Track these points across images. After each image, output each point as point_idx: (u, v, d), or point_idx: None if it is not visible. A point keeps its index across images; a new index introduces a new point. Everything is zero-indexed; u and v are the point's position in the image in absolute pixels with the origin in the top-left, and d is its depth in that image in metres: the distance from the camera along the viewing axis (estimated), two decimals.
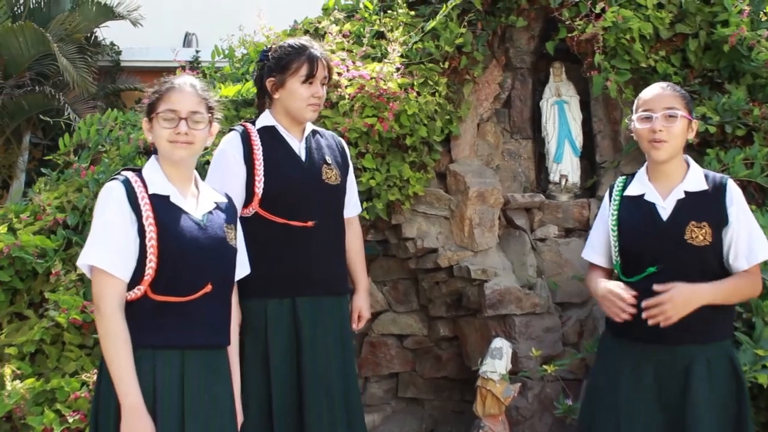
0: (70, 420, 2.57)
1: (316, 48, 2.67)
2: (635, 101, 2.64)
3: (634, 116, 2.60)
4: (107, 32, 9.03)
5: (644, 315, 2.40)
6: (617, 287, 2.51)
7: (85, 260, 2.09)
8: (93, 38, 8.59)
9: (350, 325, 2.79)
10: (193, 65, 9.62)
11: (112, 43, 8.94)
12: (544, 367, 3.23)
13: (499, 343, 3.35)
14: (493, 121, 4.07)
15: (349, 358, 2.70)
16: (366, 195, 3.46)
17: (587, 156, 4.02)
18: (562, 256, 3.77)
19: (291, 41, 2.69)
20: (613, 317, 2.50)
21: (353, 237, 2.89)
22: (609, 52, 3.54)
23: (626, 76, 3.55)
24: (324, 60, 2.66)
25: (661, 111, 2.51)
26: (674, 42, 3.58)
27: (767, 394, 2.75)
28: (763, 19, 3.66)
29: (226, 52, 4.15)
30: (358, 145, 3.43)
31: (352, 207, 2.89)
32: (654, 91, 2.58)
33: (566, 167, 3.96)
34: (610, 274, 2.75)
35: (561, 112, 4.00)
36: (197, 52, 9.40)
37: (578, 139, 3.99)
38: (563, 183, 3.93)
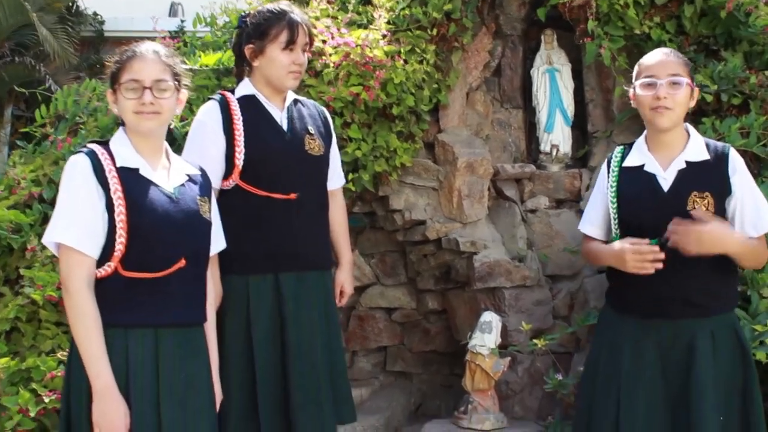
0: (47, 400, 2.49)
1: (297, 13, 2.56)
2: (636, 67, 2.54)
3: (636, 82, 2.49)
4: (90, 2, 8.84)
5: (669, 231, 2.32)
6: (638, 242, 2.39)
7: (50, 237, 2.00)
8: (75, 8, 8.40)
9: (334, 301, 2.71)
10: (178, 35, 9.49)
11: (94, 13, 8.76)
12: (535, 341, 3.17)
13: (489, 317, 3.28)
14: (482, 89, 3.96)
15: (334, 333, 2.62)
16: (352, 166, 3.37)
17: (579, 125, 3.93)
18: (553, 228, 3.70)
19: (270, 6, 2.58)
20: (640, 271, 2.36)
21: (337, 210, 2.80)
22: (602, 18, 3.44)
23: (620, 43, 3.45)
24: (305, 25, 2.55)
25: (665, 77, 2.41)
26: (669, 8, 3.48)
27: (765, 370, 2.68)
28: None
29: (208, 20, 4.02)
30: (344, 115, 3.33)
31: (336, 179, 2.80)
32: (657, 57, 2.48)
33: (557, 137, 3.87)
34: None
35: (552, 80, 3.91)
36: (182, 21, 9.23)
37: (570, 108, 3.90)
38: (554, 153, 3.85)
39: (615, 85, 3.63)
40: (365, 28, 3.47)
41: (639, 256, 2.37)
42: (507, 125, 4.00)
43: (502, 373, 3.23)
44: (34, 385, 2.53)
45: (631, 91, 2.55)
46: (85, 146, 2.10)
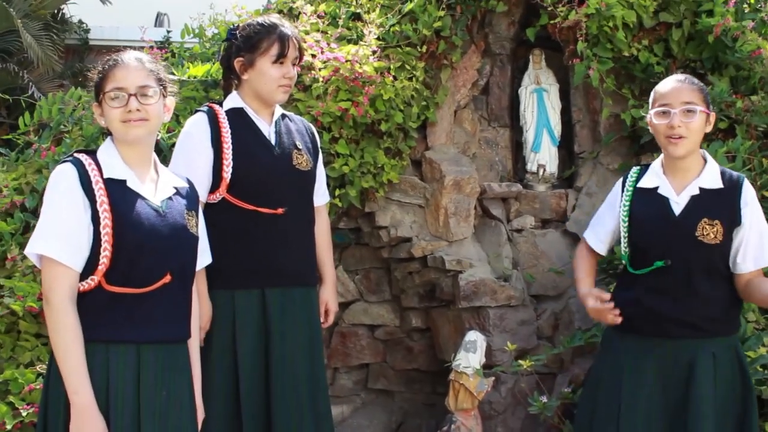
0: (24, 413, 2.43)
1: (287, 27, 2.55)
2: (652, 94, 2.57)
3: (651, 110, 2.52)
4: (76, 9, 8.79)
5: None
6: (591, 298, 2.52)
7: (33, 249, 1.96)
8: (60, 15, 8.34)
9: (318, 317, 2.69)
10: (164, 45, 9.46)
11: (80, 21, 8.70)
12: (520, 362, 3.15)
13: (474, 336, 3.26)
14: (470, 108, 3.97)
15: (317, 350, 2.60)
16: (339, 181, 3.35)
17: (565, 146, 3.95)
18: (539, 248, 3.70)
19: (260, 19, 2.57)
20: (609, 322, 2.49)
21: (321, 226, 2.78)
22: (591, 39, 3.46)
23: (608, 65, 3.47)
24: (295, 39, 2.54)
25: (679, 106, 2.44)
26: (657, 31, 3.51)
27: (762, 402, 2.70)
28: (747, 10, 3.60)
29: (197, 31, 4.00)
30: (332, 130, 3.31)
31: (321, 195, 2.79)
32: (671, 84, 2.51)
33: (544, 157, 3.88)
34: (596, 261, 2.76)
35: (540, 100, 3.92)
36: (168, 32, 9.20)
37: (557, 128, 3.91)
38: (541, 173, 3.85)
39: (602, 106, 3.65)
40: (355, 43, 3.46)
41: (597, 311, 2.51)
42: (494, 144, 4.00)
43: (486, 393, 3.21)
44: (11, 398, 2.48)
45: (647, 117, 2.57)
46: (71, 155, 2.06)
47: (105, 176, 2.01)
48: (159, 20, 10.96)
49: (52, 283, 1.92)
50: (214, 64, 3.39)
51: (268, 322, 2.46)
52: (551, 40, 3.79)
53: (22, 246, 2.96)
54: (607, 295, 2.48)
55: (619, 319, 2.45)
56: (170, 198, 2.12)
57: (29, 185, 3.15)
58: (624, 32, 3.42)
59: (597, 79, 3.45)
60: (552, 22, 3.53)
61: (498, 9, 3.75)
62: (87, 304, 1.95)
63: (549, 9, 3.52)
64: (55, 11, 8.26)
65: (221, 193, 2.47)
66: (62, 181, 1.98)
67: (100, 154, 2.08)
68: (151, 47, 3.71)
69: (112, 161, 2.06)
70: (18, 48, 7.47)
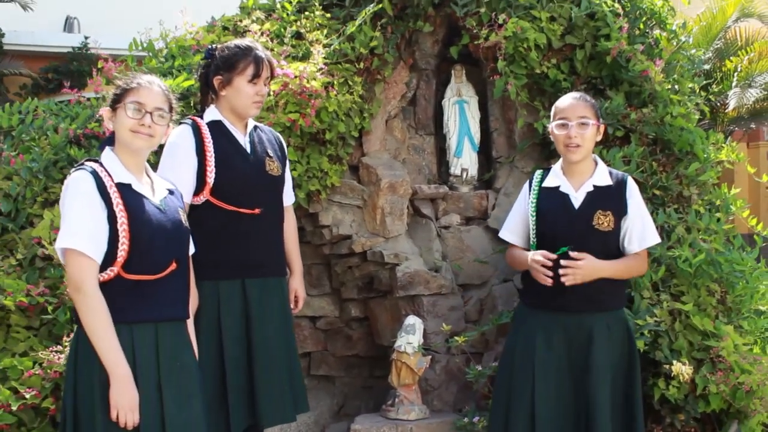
0: (27, 396, 2.69)
1: (260, 49, 2.91)
2: (552, 108, 3.06)
3: (552, 123, 3.02)
4: None
5: (560, 272, 2.87)
6: (538, 254, 2.93)
7: (63, 244, 2.26)
8: None
9: (289, 304, 3.05)
10: (81, 52, 9.45)
11: None
12: (456, 338, 3.61)
13: (412, 320, 3.70)
14: (399, 117, 4.39)
15: (290, 333, 2.98)
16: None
17: (484, 151, 4.42)
18: (464, 242, 4.16)
19: (237, 42, 2.92)
20: (542, 281, 2.91)
21: (289, 223, 3.14)
22: (508, 58, 3.93)
23: (523, 81, 3.96)
24: (267, 61, 2.90)
25: (575, 119, 2.94)
26: (564, 51, 4.01)
27: (644, 357, 3.22)
28: (637, 33, 4.15)
29: (145, 44, 4.25)
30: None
31: (289, 196, 3.15)
32: (568, 101, 3.02)
33: (466, 161, 4.34)
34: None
35: (461, 111, 4.38)
36: (86, 38, 9.22)
37: (476, 136, 4.37)
38: (464, 176, 4.31)
39: (517, 116, 4.14)
40: (300, 60, 3.82)
41: (538, 264, 2.92)
42: (421, 150, 4.44)
43: (424, 369, 3.64)
44: (12, 383, 2.73)
45: (549, 128, 3.06)
46: (82, 164, 2.37)
47: (115, 181, 2.33)
48: (68, 24, 10.88)
49: (82, 274, 2.23)
50: (175, 79, 3.67)
51: (249, 308, 2.82)
52: (471, 57, 4.27)
53: (1, 247, 3.19)
54: (553, 256, 2.90)
55: (550, 281, 2.88)
56: (166, 197, 2.46)
57: (2, 191, 3.37)
58: (536, 52, 3.91)
59: (514, 93, 3.94)
60: (475, 42, 3.99)
61: (424, 29, 4.20)
62: (107, 292, 2.27)
63: (473, 31, 3.98)
64: None
65: (205, 195, 2.80)
66: (82, 186, 2.29)
67: (105, 163, 2.39)
68: (106, 60, 3.93)
69: (116, 168, 2.38)
70: None
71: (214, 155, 2.79)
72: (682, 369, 3.12)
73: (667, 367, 3.21)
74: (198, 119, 2.87)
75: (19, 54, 9.00)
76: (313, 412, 4.04)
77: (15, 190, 3.35)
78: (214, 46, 2.96)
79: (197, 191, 2.79)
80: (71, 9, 10.62)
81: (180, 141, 2.79)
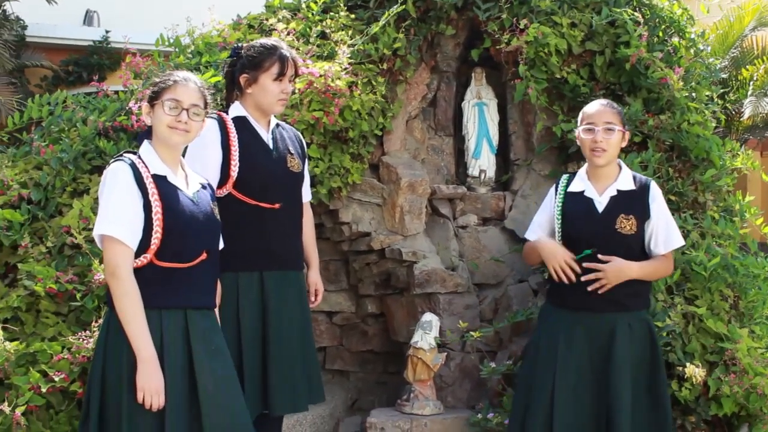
0: (56, 379, 2.77)
1: (285, 48, 2.98)
2: (580, 114, 3.13)
3: (579, 127, 3.10)
4: (16, 6, 8.84)
5: (584, 278, 2.96)
6: (569, 258, 3.00)
7: (101, 230, 2.35)
8: (2, 12, 8.40)
9: (306, 296, 3.12)
10: (102, 45, 9.57)
11: (17, 18, 8.77)
12: (471, 333, 3.68)
13: (429, 317, 3.76)
14: (420, 118, 4.47)
15: (307, 325, 3.06)
16: (310, 182, 3.77)
17: (502, 154, 4.49)
18: (481, 242, 4.23)
19: (263, 41, 3.00)
20: (559, 277, 3.00)
21: (307, 219, 3.22)
22: (529, 63, 4.00)
23: (543, 85, 4.02)
24: (292, 59, 2.97)
25: (602, 125, 3.02)
26: (584, 57, 4.07)
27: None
28: (656, 41, 4.20)
29: (172, 40, 4.33)
30: (304, 136, 3.74)
31: (307, 193, 3.23)
32: (595, 107, 3.09)
33: (484, 163, 4.41)
34: None
35: (480, 113, 4.44)
36: (107, 32, 9.33)
37: (495, 138, 4.44)
38: (482, 177, 4.38)
39: (536, 120, 4.20)
40: (325, 59, 3.90)
41: (563, 270, 2.99)
42: (440, 151, 4.51)
43: (440, 365, 3.71)
44: (42, 366, 2.81)
45: (576, 132, 3.13)
46: (121, 155, 2.45)
47: (151, 173, 2.42)
48: (88, 17, 10.98)
49: (118, 260, 2.32)
50: (201, 75, 3.75)
51: (266, 299, 2.89)
52: (491, 61, 4.34)
53: (32, 235, 3.28)
54: (577, 269, 2.99)
55: (566, 279, 2.98)
56: (198, 191, 2.54)
57: (33, 180, 3.45)
58: (556, 57, 3.97)
59: (535, 97, 4.00)
60: (497, 47, 4.06)
61: (446, 32, 4.27)
62: (140, 278, 2.35)
63: (494, 35, 4.04)
64: (3, 8, 8.31)
65: (228, 188, 2.88)
66: (121, 176, 2.38)
67: (143, 155, 2.47)
68: (134, 54, 4.01)
69: (153, 160, 2.47)
70: None
71: (238, 149, 2.87)
72: (695, 371, 3.17)
73: (680, 369, 3.26)
74: (224, 114, 2.95)
75: (41, 46, 9.11)
76: (328, 406, 4.11)
77: (45, 180, 3.44)
78: (240, 44, 3.04)
79: (221, 184, 2.87)
80: (91, 3, 10.72)
81: (206, 134, 2.84)
